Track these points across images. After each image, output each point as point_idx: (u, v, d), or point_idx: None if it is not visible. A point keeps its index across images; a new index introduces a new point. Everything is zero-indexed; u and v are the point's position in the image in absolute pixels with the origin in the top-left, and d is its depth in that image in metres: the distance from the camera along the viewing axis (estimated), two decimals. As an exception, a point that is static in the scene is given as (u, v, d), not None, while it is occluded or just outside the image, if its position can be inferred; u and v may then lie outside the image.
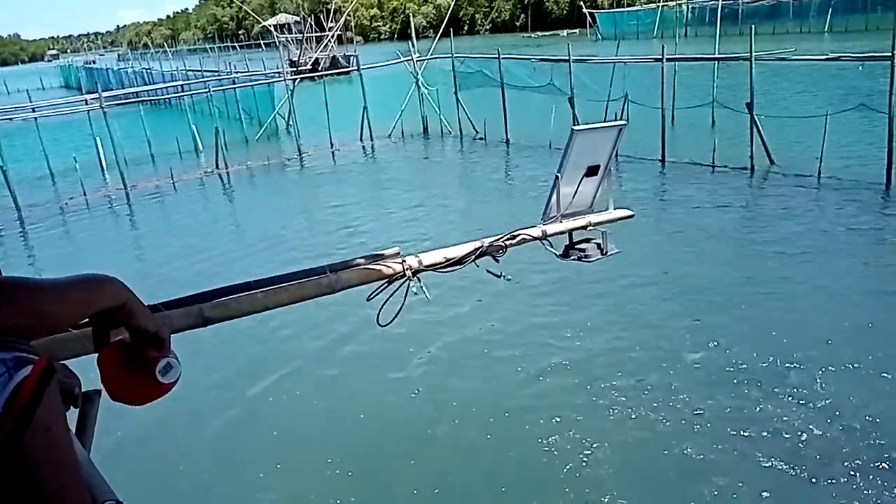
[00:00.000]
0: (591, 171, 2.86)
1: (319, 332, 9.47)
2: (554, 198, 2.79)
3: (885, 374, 7.18)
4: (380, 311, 2.35)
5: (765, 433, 6.52)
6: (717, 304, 9.29)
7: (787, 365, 7.57)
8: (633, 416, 6.98)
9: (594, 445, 6.56)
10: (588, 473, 6.23)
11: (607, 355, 8.23)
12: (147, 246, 15.00)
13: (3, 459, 0.76)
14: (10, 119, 22.18)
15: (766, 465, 6.11)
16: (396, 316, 2.33)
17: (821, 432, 6.45)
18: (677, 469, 6.21)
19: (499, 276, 2.81)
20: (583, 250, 2.83)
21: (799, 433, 6.46)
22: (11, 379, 0.78)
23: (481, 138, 22.84)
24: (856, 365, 7.39)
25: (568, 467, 6.32)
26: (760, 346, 8.02)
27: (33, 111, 22.91)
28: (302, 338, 9.40)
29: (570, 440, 6.68)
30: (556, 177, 2.76)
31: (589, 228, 2.87)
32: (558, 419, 7.02)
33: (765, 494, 5.80)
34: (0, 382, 0.77)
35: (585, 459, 6.40)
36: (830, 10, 50.44)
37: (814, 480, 5.88)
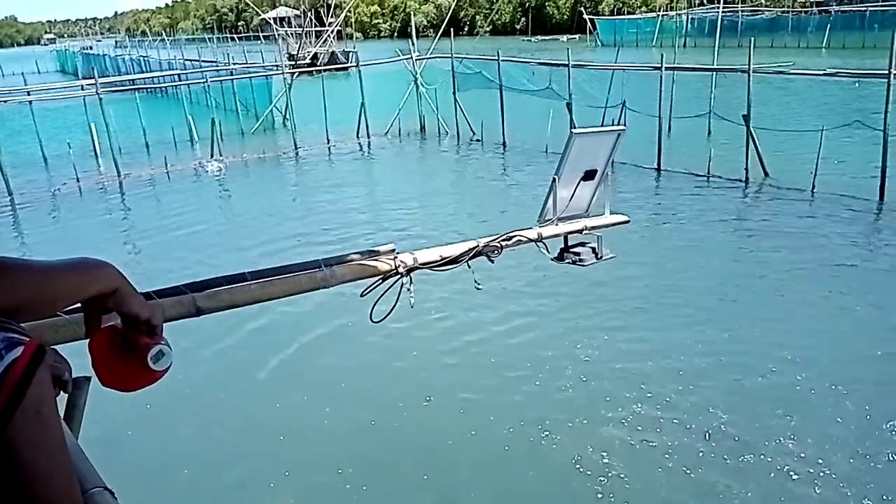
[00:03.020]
0: (589, 175, 2.86)
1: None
2: (550, 200, 2.79)
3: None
4: (373, 308, 2.34)
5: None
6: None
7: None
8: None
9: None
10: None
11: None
12: (138, 234, 14.89)
13: (-9, 441, 0.75)
14: (5, 101, 22.01)
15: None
16: (390, 313, 2.32)
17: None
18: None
19: (476, 284, 2.83)
20: (577, 254, 2.83)
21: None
22: (2, 359, 0.76)
23: (478, 140, 22.83)
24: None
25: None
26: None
27: (28, 94, 22.75)
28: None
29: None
30: (554, 179, 2.76)
31: (584, 232, 2.87)
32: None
33: None
34: (-9, 362, 0.76)
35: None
36: (829, 26, 50.84)
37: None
